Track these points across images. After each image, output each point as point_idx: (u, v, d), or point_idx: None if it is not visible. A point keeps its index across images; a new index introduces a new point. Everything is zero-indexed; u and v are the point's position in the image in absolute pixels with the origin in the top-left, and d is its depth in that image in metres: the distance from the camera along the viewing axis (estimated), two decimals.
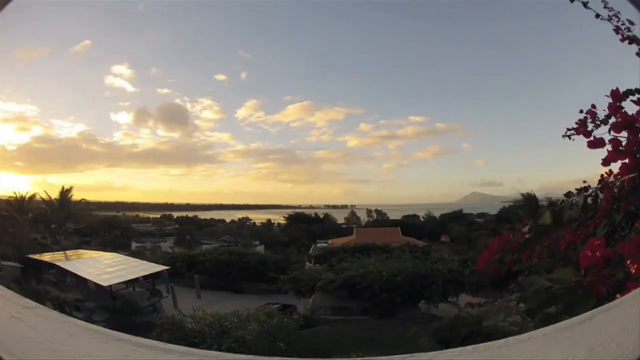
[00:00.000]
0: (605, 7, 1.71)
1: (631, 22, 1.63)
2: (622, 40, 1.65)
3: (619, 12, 1.68)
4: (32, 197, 32.09)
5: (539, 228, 1.62)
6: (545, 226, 1.60)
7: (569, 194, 1.69)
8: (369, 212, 56.16)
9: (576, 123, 1.46)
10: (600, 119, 1.43)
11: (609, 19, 1.68)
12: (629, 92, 1.38)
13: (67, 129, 66.43)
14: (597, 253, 1.13)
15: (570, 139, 1.50)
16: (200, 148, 77.08)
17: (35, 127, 58.62)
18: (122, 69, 70.59)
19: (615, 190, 1.48)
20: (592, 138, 1.42)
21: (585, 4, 1.72)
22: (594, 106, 1.45)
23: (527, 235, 1.65)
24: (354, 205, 70.06)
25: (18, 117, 52.25)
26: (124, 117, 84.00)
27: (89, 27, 53.74)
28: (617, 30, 1.66)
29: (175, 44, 75.42)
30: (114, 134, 76.49)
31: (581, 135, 1.46)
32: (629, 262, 1.02)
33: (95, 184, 65.42)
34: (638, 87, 1.39)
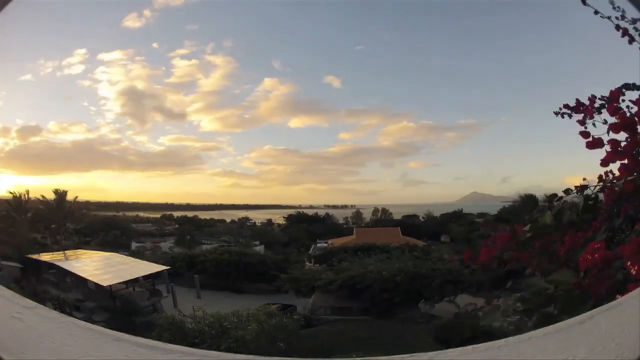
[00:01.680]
0: (613, 8, 1.71)
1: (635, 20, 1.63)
2: (618, 29, 1.66)
3: (624, 12, 1.68)
4: (27, 195, 32.05)
5: (539, 228, 1.62)
6: (545, 226, 1.59)
7: (567, 191, 1.69)
8: (375, 211, 56.20)
9: (570, 108, 1.46)
10: (597, 108, 1.43)
11: (617, 21, 1.69)
12: (628, 86, 1.38)
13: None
14: (596, 255, 1.13)
15: (562, 117, 1.51)
16: (198, 147, 77.14)
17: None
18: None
19: (617, 189, 1.48)
20: (590, 138, 1.42)
21: (596, 11, 1.72)
22: (593, 96, 1.45)
23: (528, 235, 1.65)
24: (354, 205, 70.10)
25: None
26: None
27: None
28: (621, 30, 1.67)
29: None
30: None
31: (580, 137, 1.46)
32: (629, 263, 1.02)
33: (77, 187, 64.71)
34: (637, 83, 1.39)
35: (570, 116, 1.49)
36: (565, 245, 1.54)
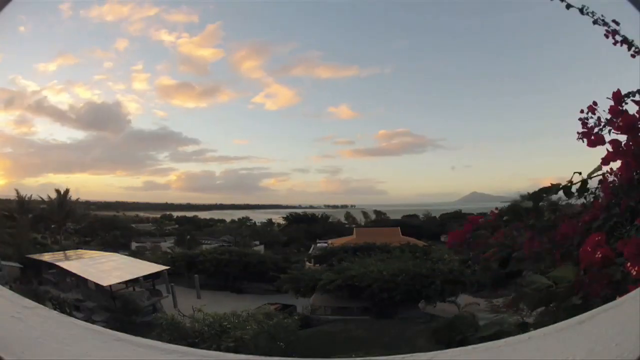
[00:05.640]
0: (598, 22, 1.70)
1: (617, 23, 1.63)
2: (615, 44, 1.65)
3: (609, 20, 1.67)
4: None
5: (516, 209, 1.57)
6: (523, 208, 1.54)
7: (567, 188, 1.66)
8: (364, 214, 56.04)
9: (582, 127, 1.46)
10: (602, 119, 1.42)
11: (604, 25, 1.68)
12: (629, 95, 1.37)
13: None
14: (598, 253, 1.12)
15: (583, 142, 1.49)
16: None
17: None
18: None
19: (615, 183, 1.47)
20: (592, 137, 1.41)
21: (581, 10, 1.71)
22: (595, 103, 1.44)
23: (504, 218, 1.61)
24: (354, 205, 70.08)
25: None
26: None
27: None
28: (607, 35, 1.66)
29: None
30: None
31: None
32: (629, 264, 1.01)
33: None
34: (638, 88, 1.39)
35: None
36: (561, 230, 1.52)
